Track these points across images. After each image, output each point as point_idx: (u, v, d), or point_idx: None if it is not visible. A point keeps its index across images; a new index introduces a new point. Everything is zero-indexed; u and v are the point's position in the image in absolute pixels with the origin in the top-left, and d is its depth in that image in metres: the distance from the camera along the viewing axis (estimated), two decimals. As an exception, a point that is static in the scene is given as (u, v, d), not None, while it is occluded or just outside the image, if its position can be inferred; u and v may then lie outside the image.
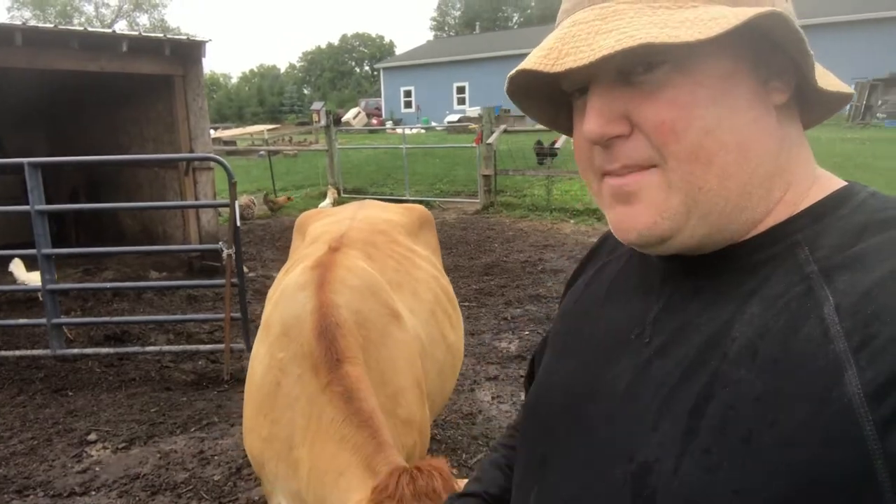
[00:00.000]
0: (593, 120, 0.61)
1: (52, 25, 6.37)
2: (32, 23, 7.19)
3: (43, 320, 4.77)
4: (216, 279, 5.54)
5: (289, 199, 12.31)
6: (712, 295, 0.62)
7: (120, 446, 3.69)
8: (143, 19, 55.89)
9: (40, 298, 4.94)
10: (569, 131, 0.73)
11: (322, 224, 2.54)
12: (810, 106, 0.66)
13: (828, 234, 0.58)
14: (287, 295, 1.79)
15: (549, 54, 0.59)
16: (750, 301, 0.58)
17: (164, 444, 3.70)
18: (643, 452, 0.60)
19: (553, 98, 0.71)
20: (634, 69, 0.59)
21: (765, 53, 0.59)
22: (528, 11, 64.82)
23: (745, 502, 0.51)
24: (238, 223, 4.52)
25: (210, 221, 7.70)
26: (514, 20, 66.18)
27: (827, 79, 0.61)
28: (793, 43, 0.57)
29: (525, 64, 0.61)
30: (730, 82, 0.59)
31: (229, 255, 4.48)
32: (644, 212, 0.61)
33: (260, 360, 1.74)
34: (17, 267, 5.94)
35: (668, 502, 0.56)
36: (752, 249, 0.61)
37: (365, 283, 1.86)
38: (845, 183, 0.64)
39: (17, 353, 4.88)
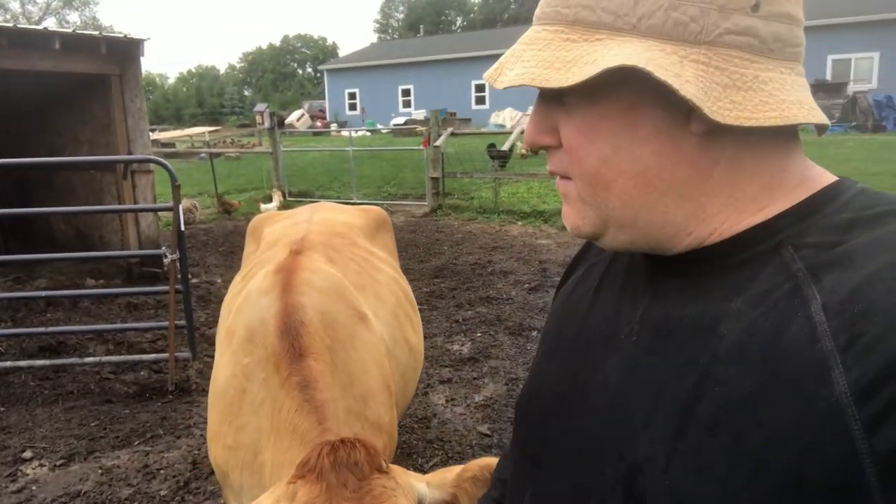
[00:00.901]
0: (527, 129, 0.68)
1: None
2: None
3: (-30, 332, 4.51)
4: (158, 286, 5.34)
5: (238, 203, 12.09)
6: (697, 293, 0.62)
7: (58, 463, 3.50)
8: (74, 17, 53.57)
9: (-33, 309, 4.67)
10: None
11: (278, 228, 2.48)
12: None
13: (812, 233, 0.57)
14: (251, 300, 1.74)
15: (497, 69, 0.64)
16: (735, 299, 0.58)
17: (106, 460, 3.53)
18: (634, 452, 0.60)
19: None
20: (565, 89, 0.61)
21: None
22: (472, 15, 65.39)
23: (733, 502, 0.51)
24: (182, 227, 4.37)
25: (150, 226, 7.42)
26: (458, 24, 66.64)
27: (761, 110, 0.57)
28: (664, 91, 0.55)
29: (485, 74, 0.67)
30: (634, 113, 0.60)
31: (173, 261, 4.32)
32: (572, 213, 0.68)
33: (223, 367, 1.68)
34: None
35: (657, 502, 0.56)
36: (735, 249, 0.61)
37: (331, 285, 1.83)
38: (836, 180, 0.63)
39: (-58, 367, 4.59)
